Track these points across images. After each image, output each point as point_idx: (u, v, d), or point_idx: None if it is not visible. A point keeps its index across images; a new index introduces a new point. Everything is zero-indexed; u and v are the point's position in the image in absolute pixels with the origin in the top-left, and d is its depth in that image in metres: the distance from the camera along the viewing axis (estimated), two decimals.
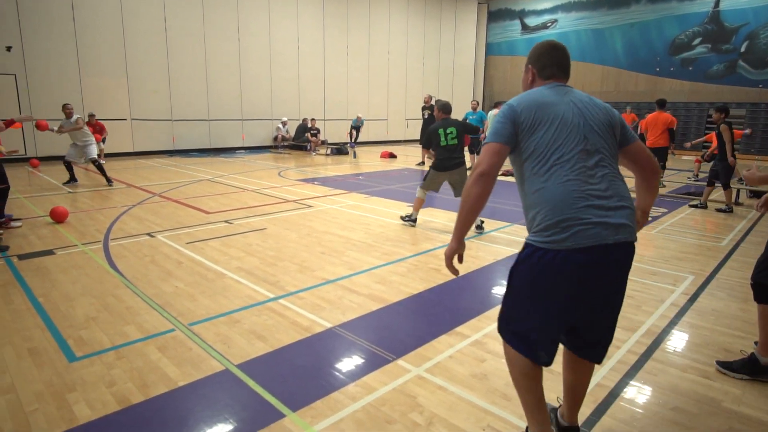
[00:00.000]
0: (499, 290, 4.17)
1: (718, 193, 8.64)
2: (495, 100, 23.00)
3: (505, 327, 2.06)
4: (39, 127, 8.18)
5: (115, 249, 5.21)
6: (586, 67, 20.54)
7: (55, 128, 8.74)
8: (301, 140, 16.82)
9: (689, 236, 6.18)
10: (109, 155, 13.54)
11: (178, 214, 6.87)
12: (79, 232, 5.85)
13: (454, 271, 2.05)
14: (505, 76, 23.62)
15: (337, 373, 2.82)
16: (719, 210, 7.81)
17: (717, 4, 16.99)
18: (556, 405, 2.38)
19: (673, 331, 3.47)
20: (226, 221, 6.48)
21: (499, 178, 11.09)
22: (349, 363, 2.95)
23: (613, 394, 2.66)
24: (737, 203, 8.40)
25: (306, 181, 10.26)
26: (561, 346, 2.11)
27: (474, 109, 12.25)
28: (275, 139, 17.26)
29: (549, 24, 21.51)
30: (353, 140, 17.70)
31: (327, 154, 15.99)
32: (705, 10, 17.25)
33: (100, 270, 4.55)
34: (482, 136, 12.38)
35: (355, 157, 15.12)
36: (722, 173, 7.75)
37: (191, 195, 8.38)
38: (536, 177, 1.86)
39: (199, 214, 6.88)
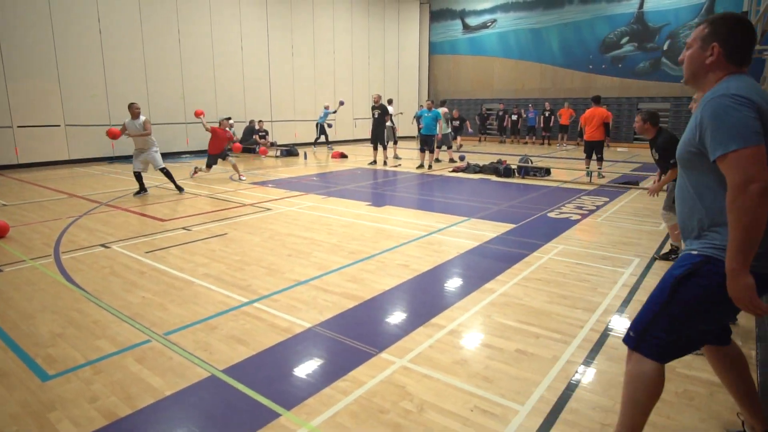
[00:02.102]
0: (467, 281, 4.36)
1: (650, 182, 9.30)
2: (440, 98, 23.54)
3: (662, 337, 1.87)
4: (111, 134, 8.13)
5: (69, 262, 4.98)
6: (526, 66, 21.41)
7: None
8: (249, 142, 16.51)
9: (630, 222, 6.67)
10: (42, 164, 12.76)
11: (131, 223, 6.63)
12: (25, 247, 5.53)
13: (764, 310, 1.66)
14: (449, 75, 24.17)
15: (324, 371, 2.89)
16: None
17: (641, 6, 18.21)
18: (740, 424, 2.25)
19: (627, 308, 3.78)
20: (183, 228, 6.33)
21: (452, 174, 11.45)
22: (334, 360, 3.02)
23: (583, 369, 2.89)
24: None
25: (260, 184, 10.12)
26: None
27: (429, 107, 12.50)
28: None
29: (489, 24, 22.23)
30: (316, 139, 17.52)
31: (277, 156, 15.79)
32: (631, 11, 18.44)
33: (56, 285, 4.35)
34: (438, 135, 12.70)
35: (306, 158, 15.03)
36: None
37: (141, 203, 8.08)
38: None
39: (154, 222, 6.66)
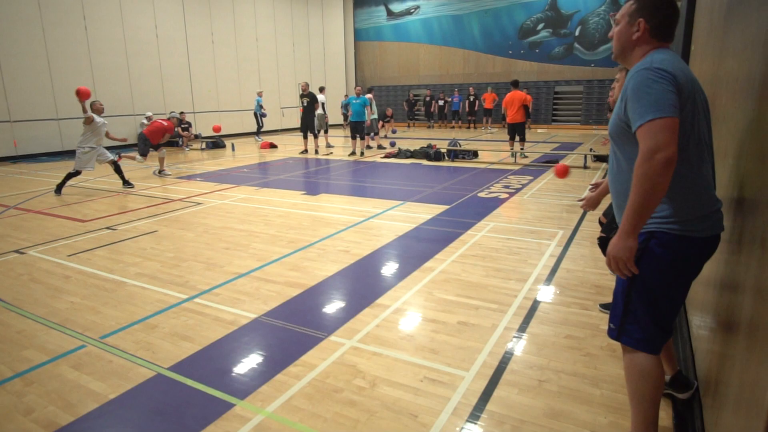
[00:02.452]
0: (407, 262, 4.51)
1: (569, 160, 9.97)
2: (367, 85, 23.62)
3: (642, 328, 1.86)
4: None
5: None
6: (450, 51, 21.94)
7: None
8: (172, 135, 15.70)
9: (553, 198, 7.14)
10: None
11: (47, 226, 6.16)
12: None
13: (633, 271, 1.76)
14: (375, 61, 24.25)
15: (274, 358, 2.90)
16: None
17: None
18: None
19: (555, 276, 4.08)
20: (108, 228, 5.98)
21: (384, 160, 11.59)
22: (283, 347, 3.03)
23: (519, 334, 3.11)
24: (585, 167, 9.80)
25: (187, 178, 9.72)
26: None
27: (358, 94, 12.50)
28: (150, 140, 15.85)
29: (412, 10, 22.50)
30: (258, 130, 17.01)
31: (202, 149, 15.17)
32: None
33: None
34: (367, 122, 12.75)
35: (233, 150, 14.55)
36: None
37: (56, 204, 7.50)
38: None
39: (74, 224, 6.23)
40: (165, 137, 10.02)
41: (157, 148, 10.08)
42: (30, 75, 13.25)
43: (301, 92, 13.26)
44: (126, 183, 8.73)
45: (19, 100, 13.09)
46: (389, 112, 18.00)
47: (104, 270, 4.49)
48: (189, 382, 2.67)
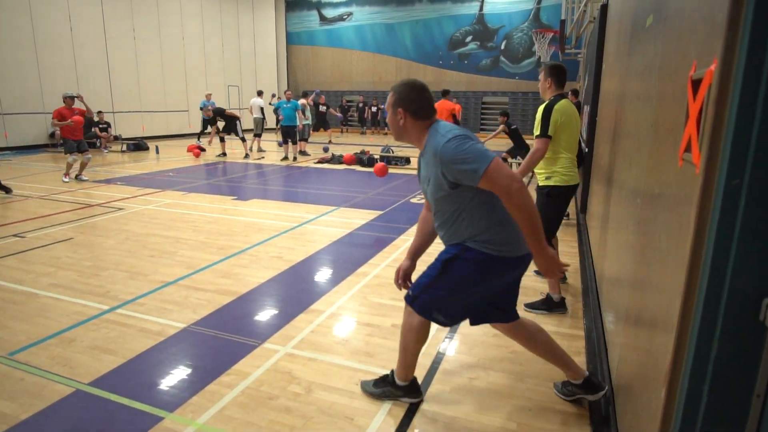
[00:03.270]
0: (341, 267, 4.53)
1: None
2: (301, 89, 23.38)
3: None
4: None
5: None
6: (382, 59, 22.25)
7: None
8: (88, 136, 14.66)
9: None
10: None
11: None
12: None
13: (562, 269, 2.06)
14: (308, 65, 24.09)
15: (205, 368, 2.81)
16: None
17: (481, 8, 20.09)
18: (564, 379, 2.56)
19: None
20: (15, 235, 5.49)
21: (318, 165, 11.54)
22: (214, 356, 2.95)
23: (451, 335, 3.23)
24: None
25: (106, 182, 9.13)
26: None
27: (288, 98, 12.36)
28: (52, 135, 14.69)
29: (345, 17, 22.61)
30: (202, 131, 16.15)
31: (123, 151, 14.31)
32: (473, 12, 20.24)
33: None
34: (300, 125, 12.63)
35: (157, 153, 13.85)
36: None
37: None
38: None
39: None
40: (78, 117, 8.94)
41: (81, 149, 9.12)
42: None
43: (208, 117, 13.36)
44: (4, 189, 7.69)
45: None
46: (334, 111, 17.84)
47: (12, 281, 4.12)
48: (113, 397, 2.53)
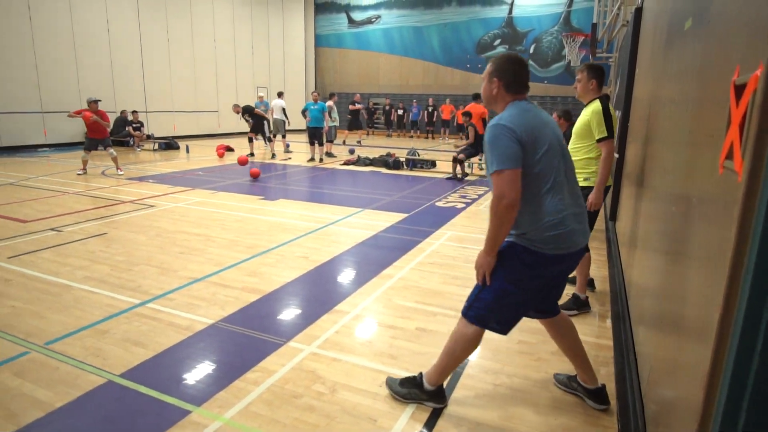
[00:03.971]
0: (366, 269, 4.54)
1: None
2: (327, 91, 23.57)
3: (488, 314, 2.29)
4: None
5: None
6: (409, 62, 22.27)
7: None
8: (122, 135, 15.11)
9: None
10: None
11: None
12: None
13: (488, 281, 2.22)
14: (335, 67, 24.29)
15: (232, 364, 2.86)
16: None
17: (511, 11, 19.92)
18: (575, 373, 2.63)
19: None
20: (52, 229, 5.69)
21: (343, 167, 11.62)
22: (241, 353, 3.00)
23: None
24: None
25: (138, 179, 9.38)
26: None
27: (315, 100, 12.48)
28: (86, 134, 15.15)
29: (373, 19, 22.72)
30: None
31: (154, 150, 14.68)
32: (502, 15, 20.09)
33: None
34: (326, 127, 12.74)
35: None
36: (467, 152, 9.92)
37: None
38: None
39: (14, 224, 5.90)
40: (101, 127, 9.71)
41: (105, 145, 9.77)
42: None
43: (237, 113, 13.47)
44: None
45: None
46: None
47: (49, 273, 4.28)
48: (142, 389, 2.60)
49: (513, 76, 2.23)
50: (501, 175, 2.03)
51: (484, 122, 10.90)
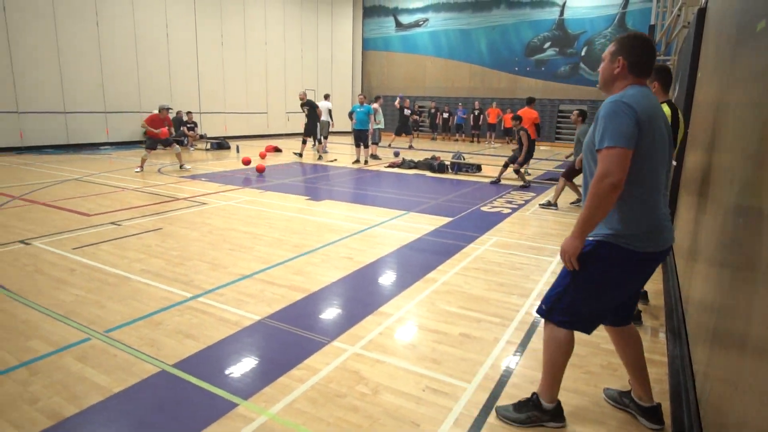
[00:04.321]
0: (409, 272, 4.54)
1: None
2: (373, 94, 23.73)
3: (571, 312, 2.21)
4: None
5: None
6: (456, 65, 22.13)
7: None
8: (177, 135, 15.77)
9: (555, 215, 7.19)
10: None
11: (52, 218, 6.19)
12: None
13: (575, 266, 2.10)
14: (382, 70, 24.44)
15: (278, 361, 2.92)
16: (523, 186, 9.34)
17: (562, 13, 19.44)
18: (628, 388, 2.54)
19: None
20: (112, 223, 6.01)
21: (388, 169, 11.65)
22: (286, 350, 3.06)
23: (521, 349, 3.14)
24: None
25: (191, 177, 9.76)
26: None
27: (361, 102, 12.60)
28: (146, 133, 15.93)
29: (421, 22, 22.72)
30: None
31: (207, 149, 15.24)
32: (553, 17, 19.63)
33: None
34: (371, 130, 12.83)
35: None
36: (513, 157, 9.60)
37: (61, 197, 7.53)
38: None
39: (78, 217, 6.26)
40: (165, 130, 10.38)
41: (167, 144, 10.50)
42: (39, 67, 13.34)
43: (300, 101, 13.49)
44: None
45: (27, 91, 13.17)
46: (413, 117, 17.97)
47: (109, 265, 4.51)
48: (193, 380, 2.69)
49: (640, 56, 2.09)
50: (611, 152, 1.90)
51: (538, 127, 10.63)
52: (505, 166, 9.82)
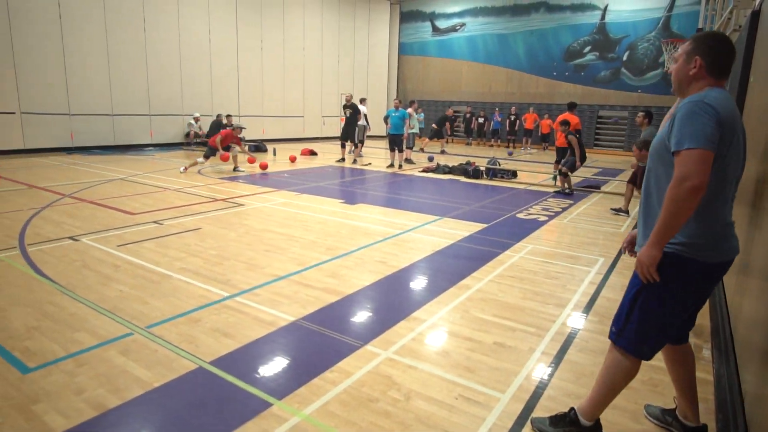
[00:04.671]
0: (443, 278, 4.51)
1: (611, 186, 9.77)
2: (409, 98, 23.76)
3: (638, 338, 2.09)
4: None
5: (37, 255, 4.82)
6: (493, 69, 21.90)
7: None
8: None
9: (594, 224, 7.01)
10: None
11: (99, 216, 6.45)
12: None
13: (655, 278, 1.97)
14: (418, 75, 24.44)
15: (311, 362, 2.95)
16: (567, 192, 9.23)
17: (603, 17, 18.98)
18: (673, 406, 2.47)
19: (595, 305, 4.01)
20: (155, 222, 6.21)
21: (422, 174, 11.62)
22: (320, 352, 3.09)
23: (557, 361, 3.07)
24: None
25: (229, 179, 10.00)
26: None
27: (396, 107, 12.64)
28: (187, 135, 16.46)
29: (458, 27, 22.62)
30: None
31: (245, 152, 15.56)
32: (594, 21, 19.19)
33: (26, 277, 4.22)
34: (406, 134, 12.84)
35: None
36: (569, 164, 9.25)
37: (107, 195, 7.85)
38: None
39: (123, 216, 6.51)
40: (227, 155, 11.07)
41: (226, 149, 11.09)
42: (90, 72, 13.97)
43: (344, 102, 13.51)
44: None
45: (78, 95, 13.81)
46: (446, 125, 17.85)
47: (151, 262, 4.67)
48: (229, 377, 2.75)
49: (719, 57, 1.97)
50: (691, 153, 1.78)
51: (578, 133, 10.38)
52: (565, 174, 9.34)
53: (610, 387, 2.19)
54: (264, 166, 11.61)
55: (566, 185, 9.49)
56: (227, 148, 10.99)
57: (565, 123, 9.50)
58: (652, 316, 2.05)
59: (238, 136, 11.37)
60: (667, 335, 2.12)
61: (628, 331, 2.09)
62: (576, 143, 9.08)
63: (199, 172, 10.75)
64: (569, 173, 9.36)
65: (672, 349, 2.32)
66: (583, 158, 9.18)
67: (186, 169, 10.66)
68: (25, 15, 12.47)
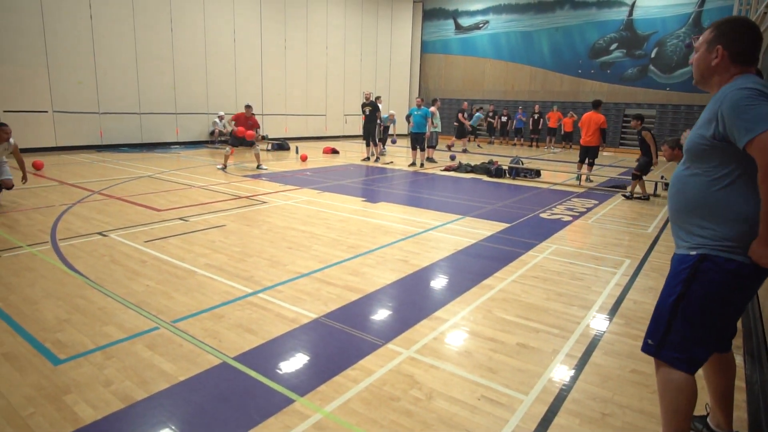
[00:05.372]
0: (465, 277, 4.47)
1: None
2: (431, 97, 23.65)
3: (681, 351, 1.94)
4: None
5: (67, 249, 4.96)
6: (516, 67, 21.66)
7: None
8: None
9: (620, 225, 6.87)
10: (29, 150, 12.52)
11: (127, 212, 6.60)
12: (21, 233, 5.49)
13: None
14: (440, 73, 24.32)
15: (333, 360, 2.97)
16: (637, 197, 8.79)
17: (631, 13, 18.57)
18: (705, 413, 2.37)
19: (621, 307, 3.93)
20: (181, 219, 6.33)
21: (444, 173, 11.56)
22: (342, 349, 3.10)
23: (582, 363, 3.02)
24: (655, 195, 9.36)
25: (253, 177, 10.12)
26: None
27: (418, 105, 12.60)
28: (212, 134, 16.72)
29: (481, 25, 22.43)
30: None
31: (268, 150, 15.75)
32: (621, 18, 18.79)
33: (57, 271, 4.34)
34: (428, 133, 12.79)
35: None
36: (641, 166, 8.63)
37: (135, 192, 8.03)
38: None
39: (150, 212, 6.64)
40: (252, 132, 11.13)
41: (249, 144, 11.32)
42: (119, 71, 14.29)
43: (363, 100, 13.52)
44: None
45: (107, 93, 14.14)
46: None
47: (177, 258, 4.75)
48: (252, 373, 2.78)
49: (744, 44, 1.85)
50: (766, 136, 1.63)
51: (603, 133, 10.19)
52: (637, 177, 8.69)
53: (675, 412, 1.96)
54: (304, 158, 12.42)
55: (640, 189, 8.78)
56: (250, 142, 11.20)
57: (639, 117, 8.82)
58: (697, 323, 1.90)
59: (252, 115, 11.33)
60: (713, 343, 1.98)
61: (671, 342, 1.94)
62: (651, 140, 8.52)
63: (257, 167, 11.14)
64: (642, 175, 8.66)
65: (715, 358, 2.19)
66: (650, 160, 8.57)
67: (224, 166, 10.96)
68: (57, 15, 12.83)
